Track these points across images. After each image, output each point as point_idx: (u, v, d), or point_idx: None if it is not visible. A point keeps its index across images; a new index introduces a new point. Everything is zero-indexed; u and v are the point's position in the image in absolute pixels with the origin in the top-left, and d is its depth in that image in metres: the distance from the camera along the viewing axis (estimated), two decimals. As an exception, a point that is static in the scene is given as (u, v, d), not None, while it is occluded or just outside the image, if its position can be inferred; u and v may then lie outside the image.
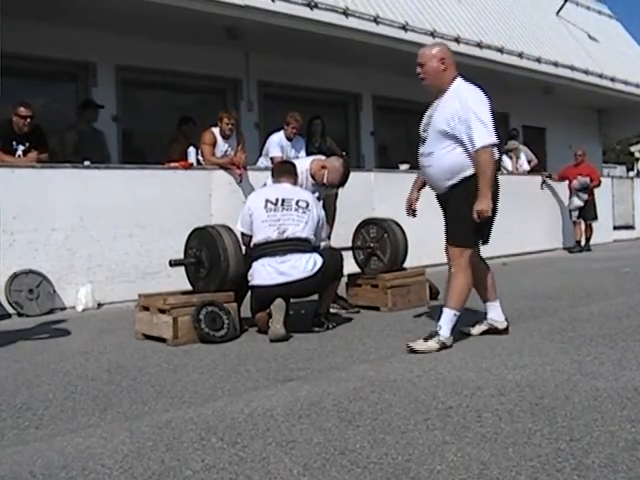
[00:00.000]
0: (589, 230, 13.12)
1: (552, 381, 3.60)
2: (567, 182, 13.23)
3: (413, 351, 4.41)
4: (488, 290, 4.98)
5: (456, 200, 4.62)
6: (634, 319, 5.36)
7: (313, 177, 5.99)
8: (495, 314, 4.98)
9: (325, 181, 5.97)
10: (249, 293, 5.64)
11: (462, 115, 4.46)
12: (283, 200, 5.42)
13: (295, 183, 5.70)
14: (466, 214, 4.49)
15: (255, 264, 5.38)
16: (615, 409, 3.08)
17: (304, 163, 6.10)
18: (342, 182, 6.10)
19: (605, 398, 3.25)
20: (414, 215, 5.36)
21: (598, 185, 13.41)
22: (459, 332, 4.82)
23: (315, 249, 5.46)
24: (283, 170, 5.80)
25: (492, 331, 4.92)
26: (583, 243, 13.07)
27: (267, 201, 5.44)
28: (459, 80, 4.67)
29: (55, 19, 8.66)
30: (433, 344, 4.46)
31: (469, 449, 2.67)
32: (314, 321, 5.54)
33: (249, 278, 5.46)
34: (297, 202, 5.44)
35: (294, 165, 5.91)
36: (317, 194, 6.04)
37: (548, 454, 2.58)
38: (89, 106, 8.78)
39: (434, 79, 4.68)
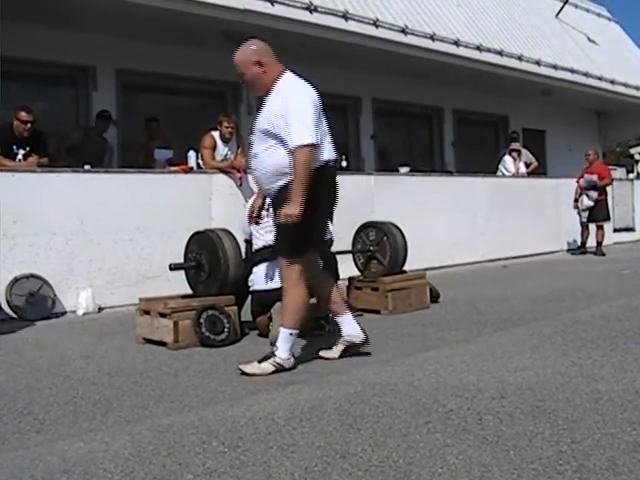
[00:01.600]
0: (601, 233, 12.79)
1: (553, 384, 3.60)
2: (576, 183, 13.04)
3: (244, 374, 4.12)
4: (336, 303, 4.49)
5: (280, 206, 4.16)
6: (635, 321, 5.36)
7: None
8: (349, 328, 4.47)
9: None
10: (249, 297, 5.65)
11: (283, 112, 4.14)
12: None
13: None
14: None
15: (256, 269, 5.45)
16: (616, 411, 3.08)
17: None
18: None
19: (606, 401, 3.25)
20: (257, 223, 4.99)
21: (609, 184, 13.24)
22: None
23: None
24: None
25: (352, 349, 4.46)
26: (594, 246, 12.71)
27: (269, 205, 5.33)
28: (285, 76, 4.35)
29: (55, 23, 8.67)
30: (268, 366, 4.13)
31: (470, 452, 2.67)
32: (314, 325, 5.52)
33: (250, 284, 5.48)
34: None
35: None
36: None
37: (549, 457, 2.58)
38: (101, 117, 8.92)
39: (258, 84, 4.39)
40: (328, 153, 4.26)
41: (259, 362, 4.17)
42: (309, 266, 4.32)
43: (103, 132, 8.99)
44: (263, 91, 4.37)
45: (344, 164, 10.50)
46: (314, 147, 4.08)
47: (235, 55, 4.46)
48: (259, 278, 5.40)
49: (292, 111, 4.12)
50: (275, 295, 5.17)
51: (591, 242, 12.85)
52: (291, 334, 4.24)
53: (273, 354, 4.18)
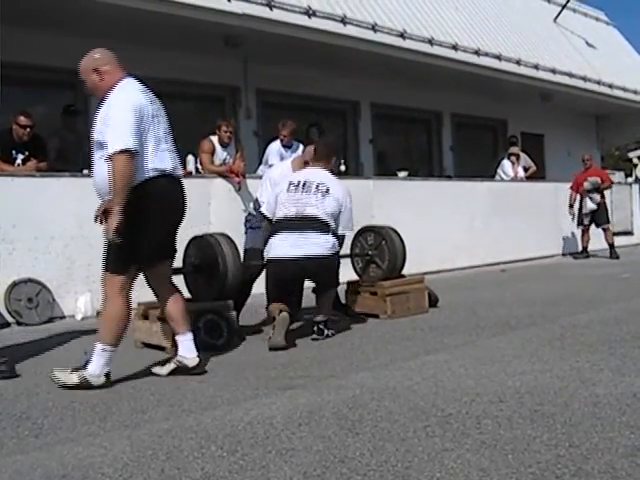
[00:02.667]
0: (609, 235, 12.73)
1: (551, 388, 3.60)
2: (575, 187, 12.97)
3: (52, 380, 4.03)
4: (175, 320, 4.36)
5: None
6: (633, 325, 5.37)
7: None
8: (184, 350, 4.32)
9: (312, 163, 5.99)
10: (263, 274, 5.69)
11: (105, 120, 4.01)
12: (305, 183, 5.54)
13: (327, 168, 5.76)
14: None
15: (272, 239, 5.48)
16: (614, 415, 3.08)
17: (285, 168, 6.12)
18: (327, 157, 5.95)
19: (604, 404, 3.25)
20: (101, 222, 4.69)
21: (609, 187, 13.24)
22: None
23: (334, 234, 5.51)
24: (323, 155, 5.84)
25: (182, 370, 4.28)
26: (598, 250, 12.73)
27: (290, 183, 5.58)
28: (120, 83, 4.17)
29: (54, 28, 8.68)
30: (74, 377, 3.99)
31: (469, 456, 2.67)
32: (313, 329, 5.53)
33: (265, 254, 5.56)
34: (317, 186, 5.52)
35: (330, 148, 6.08)
36: None
37: (548, 460, 2.59)
38: (67, 112, 8.77)
39: (95, 92, 4.25)
40: (162, 162, 4.08)
41: (72, 371, 4.03)
42: (129, 282, 4.11)
43: (72, 128, 8.79)
44: (99, 98, 4.23)
45: (342, 168, 10.51)
46: (130, 154, 3.89)
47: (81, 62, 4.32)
48: (275, 246, 5.43)
49: (111, 118, 3.98)
50: (290, 267, 5.32)
51: (592, 247, 12.85)
52: (104, 350, 4.03)
53: (84, 367, 4.02)
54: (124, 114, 3.96)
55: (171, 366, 4.31)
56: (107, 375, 4.06)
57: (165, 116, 4.31)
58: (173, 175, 4.18)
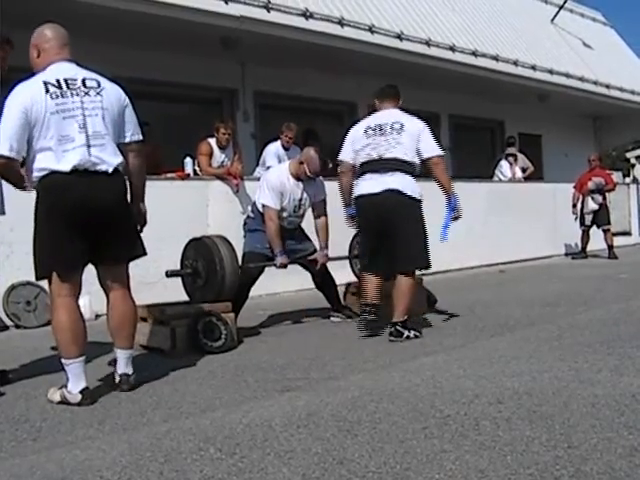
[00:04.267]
0: (609, 236, 12.76)
1: (550, 388, 3.60)
2: (579, 187, 12.98)
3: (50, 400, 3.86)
4: (111, 333, 4.19)
5: None
6: (631, 326, 5.37)
7: (297, 177, 6.03)
8: (121, 365, 4.08)
9: (309, 173, 6.00)
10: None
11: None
12: (380, 125, 5.53)
13: (396, 106, 5.81)
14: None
15: (359, 180, 5.52)
16: (613, 416, 3.08)
17: (283, 170, 6.14)
18: (324, 167, 6.07)
19: (603, 405, 3.25)
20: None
21: (612, 189, 13.25)
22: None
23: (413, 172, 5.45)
24: (386, 94, 5.95)
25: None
26: (597, 251, 12.77)
27: (368, 127, 5.58)
28: (46, 69, 3.94)
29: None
30: (57, 396, 3.83)
31: (467, 457, 2.67)
32: (390, 330, 5.27)
33: (353, 195, 5.57)
34: (391, 125, 5.49)
35: (396, 88, 6.08)
36: (307, 198, 6.07)
37: (546, 461, 2.58)
38: None
39: (33, 70, 4.02)
40: (60, 161, 3.74)
41: (60, 387, 3.85)
42: (67, 284, 3.87)
43: None
44: None
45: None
46: (3, 159, 3.70)
47: None
48: (362, 185, 5.47)
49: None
50: (373, 201, 5.33)
51: (590, 247, 12.87)
52: (66, 365, 3.81)
53: (64, 385, 3.81)
54: (7, 115, 3.74)
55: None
56: (83, 391, 3.78)
57: (99, 105, 3.89)
58: (78, 172, 3.76)
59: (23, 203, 6.72)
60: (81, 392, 3.77)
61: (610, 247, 12.64)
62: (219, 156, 8.50)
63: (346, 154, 5.70)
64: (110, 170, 3.87)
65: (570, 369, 4.02)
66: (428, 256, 5.44)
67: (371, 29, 11.24)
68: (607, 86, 16.41)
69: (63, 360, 3.83)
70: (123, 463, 2.80)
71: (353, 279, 6.83)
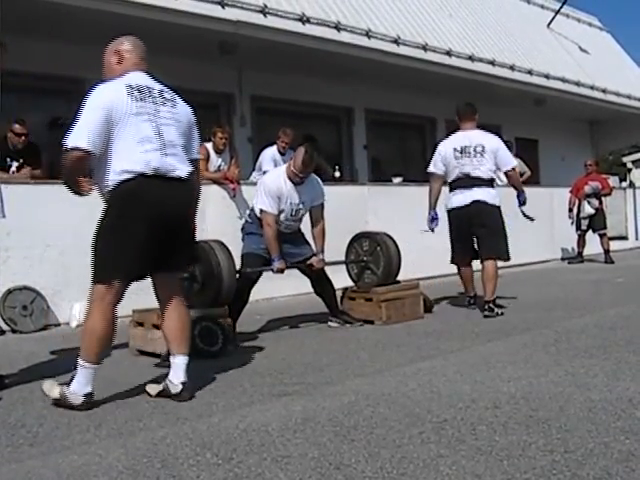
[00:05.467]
0: (606, 241, 12.72)
1: (546, 393, 3.61)
2: (575, 191, 13.00)
3: (41, 387, 3.89)
4: (171, 341, 4.12)
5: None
6: (628, 330, 5.38)
7: (294, 181, 6.02)
8: (173, 374, 4.00)
9: (293, 169, 5.98)
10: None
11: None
12: (466, 148, 6.82)
13: (475, 123, 7.06)
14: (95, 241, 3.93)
15: (450, 194, 6.93)
16: (609, 420, 3.09)
17: (280, 174, 6.13)
18: (308, 162, 5.96)
19: (599, 410, 3.26)
20: None
21: (609, 193, 13.25)
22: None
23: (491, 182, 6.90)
24: (466, 114, 7.08)
25: (165, 394, 3.95)
26: (593, 255, 12.80)
27: (455, 149, 6.84)
28: (124, 76, 4.00)
29: (50, 36, 8.69)
30: (56, 391, 3.80)
31: (464, 462, 2.67)
32: (485, 308, 6.54)
33: (447, 207, 6.95)
34: (474, 148, 6.80)
35: (473, 107, 7.14)
36: (305, 201, 6.06)
37: (543, 466, 2.59)
38: (54, 124, 8.79)
39: (107, 75, 4.08)
40: (138, 163, 3.77)
41: (61, 384, 3.83)
42: (111, 292, 3.88)
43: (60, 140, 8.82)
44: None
45: (337, 175, 10.53)
46: (81, 152, 3.68)
47: None
48: (452, 201, 6.87)
49: (81, 112, 3.79)
50: (463, 211, 6.77)
51: (587, 251, 12.88)
52: (82, 366, 3.75)
53: (67, 384, 3.80)
54: (90, 111, 3.77)
55: (158, 387, 4.00)
56: (87, 395, 3.75)
57: (174, 116, 4.04)
58: (160, 176, 3.83)
59: (20, 208, 6.75)
60: (84, 396, 3.74)
61: (606, 251, 12.65)
62: (216, 160, 8.50)
63: (437, 168, 7.03)
64: (183, 176, 3.94)
65: (567, 374, 4.02)
66: (508, 250, 7.03)
67: (368, 34, 11.25)
68: (604, 91, 16.45)
69: (81, 361, 3.77)
70: (119, 468, 2.79)
71: (350, 284, 6.83)
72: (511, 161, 7.05)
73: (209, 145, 8.43)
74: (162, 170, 3.84)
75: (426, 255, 9.94)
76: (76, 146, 3.68)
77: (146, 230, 3.77)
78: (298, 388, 4.04)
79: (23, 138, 7.44)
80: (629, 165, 27.44)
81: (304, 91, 11.62)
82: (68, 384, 3.81)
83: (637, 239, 16.12)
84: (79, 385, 3.75)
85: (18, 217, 6.74)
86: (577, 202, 12.87)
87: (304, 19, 10.23)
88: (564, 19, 18.00)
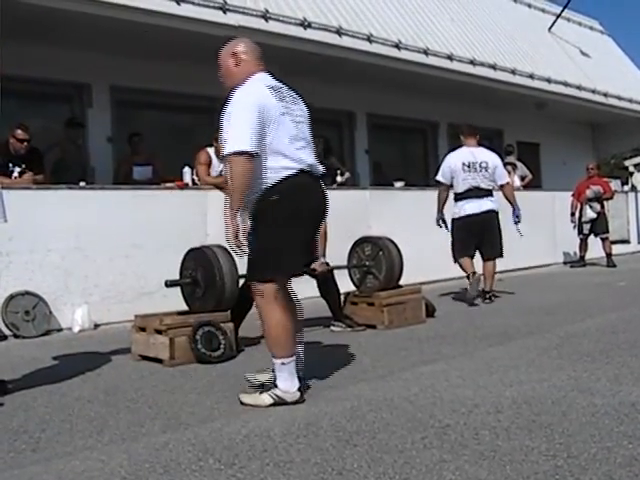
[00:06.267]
0: (607, 245, 12.73)
1: (549, 397, 3.60)
2: (577, 195, 12.99)
3: (242, 403, 3.84)
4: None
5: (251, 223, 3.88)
6: (630, 334, 5.37)
7: None
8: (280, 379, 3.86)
9: None
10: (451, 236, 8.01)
11: (229, 117, 3.85)
12: (472, 164, 7.98)
13: (478, 140, 8.27)
14: (255, 240, 3.82)
15: (462, 202, 7.97)
16: (612, 425, 3.08)
17: None
18: None
19: (602, 414, 3.25)
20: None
21: (610, 197, 13.25)
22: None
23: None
24: (469, 133, 8.27)
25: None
26: (595, 259, 12.80)
27: (463, 164, 7.98)
28: (251, 78, 3.99)
29: (50, 41, 8.70)
30: (265, 398, 3.79)
31: (467, 467, 2.67)
32: (485, 297, 7.87)
33: (457, 215, 8.00)
34: (480, 164, 7.98)
35: (476, 129, 8.43)
36: None
37: (546, 471, 2.58)
38: (71, 125, 8.81)
39: (228, 78, 4.08)
40: (297, 160, 3.86)
41: (260, 393, 3.84)
42: (280, 288, 3.83)
43: (74, 140, 8.86)
44: (228, 85, 4.03)
45: (339, 179, 10.51)
46: (248, 156, 3.68)
47: None
48: (464, 209, 7.91)
49: (232, 116, 3.80)
50: (477, 220, 7.89)
51: (589, 255, 12.87)
52: (283, 363, 3.80)
53: (274, 385, 3.82)
54: (244, 114, 3.76)
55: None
56: (299, 389, 3.82)
57: (302, 113, 4.10)
58: (312, 173, 3.95)
59: (21, 213, 6.76)
60: (298, 390, 3.82)
61: (608, 255, 12.64)
62: (218, 165, 8.48)
63: (445, 178, 8.11)
64: (320, 174, 4.05)
65: (569, 378, 4.02)
66: (502, 249, 8.14)
67: (369, 38, 11.26)
68: (605, 94, 16.45)
69: (280, 360, 3.80)
70: (122, 474, 2.79)
71: (352, 288, 6.83)
72: (506, 176, 8.39)
73: (211, 150, 8.42)
74: (313, 167, 3.96)
75: (428, 259, 9.93)
76: (242, 150, 3.68)
77: (309, 224, 3.95)
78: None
79: (25, 144, 7.45)
80: (631, 169, 27.35)
81: (306, 95, 11.42)
82: (273, 386, 3.81)
83: (639, 243, 16.09)
84: (288, 382, 3.80)
85: (20, 222, 6.75)
86: (579, 206, 12.86)
87: (305, 24, 10.24)
88: (565, 23, 18.00)
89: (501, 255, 8.13)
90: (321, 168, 4.05)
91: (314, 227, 4.02)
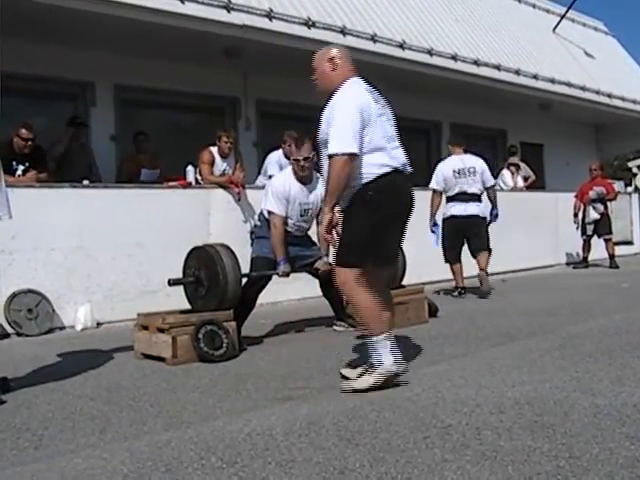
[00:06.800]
0: (611, 246, 12.71)
1: (551, 398, 3.60)
2: (580, 196, 12.97)
3: (356, 391, 3.91)
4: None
5: (343, 214, 4.10)
6: (633, 335, 5.36)
7: (302, 182, 6.03)
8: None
9: (294, 161, 6.12)
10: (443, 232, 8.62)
11: (329, 119, 4.05)
12: (462, 170, 8.68)
13: (464, 148, 8.97)
14: (345, 230, 4.06)
15: (451, 204, 8.70)
16: (614, 426, 3.08)
17: (287, 176, 6.14)
18: (299, 144, 6.25)
19: (604, 415, 3.25)
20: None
21: (614, 198, 13.24)
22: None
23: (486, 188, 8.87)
24: (457, 144, 9.04)
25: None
26: (599, 260, 12.80)
27: (454, 171, 8.66)
28: (347, 82, 4.16)
29: (54, 39, 8.70)
30: (368, 379, 3.95)
31: (469, 467, 2.67)
32: (482, 297, 8.35)
33: (445, 215, 8.70)
34: (468, 169, 8.68)
35: (461, 140, 9.21)
36: (313, 202, 6.05)
37: (548, 472, 2.58)
38: (72, 124, 8.80)
39: (323, 82, 4.27)
40: (393, 159, 4.09)
41: (358, 375, 4.06)
42: (364, 273, 3.98)
43: (77, 139, 8.85)
44: (325, 90, 4.25)
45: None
46: (350, 157, 3.88)
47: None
48: (454, 208, 8.61)
49: (334, 118, 3.99)
50: (463, 222, 8.57)
51: (592, 256, 12.87)
52: (378, 340, 3.95)
53: (372, 366, 3.96)
54: (347, 115, 3.96)
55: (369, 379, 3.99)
56: (399, 362, 4.00)
57: (391, 114, 4.28)
58: (404, 172, 4.17)
59: (24, 211, 6.77)
60: (397, 363, 3.96)
61: (611, 256, 12.62)
62: (221, 164, 8.51)
63: (439, 185, 8.76)
64: (410, 173, 4.26)
65: (571, 379, 4.01)
66: (489, 245, 8.75)
67: (373, 38, 11.25)
68: (609, 95, 16.41)
69: (377, 338, 3.95)
70: (124, 472, 2.80)
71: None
72: (492, 179, 9.05)
73: (214, 149, 8.44)
74: (406, 167, 4.19)
75: (431, 259, 9.93)
76: (347, 151, 3.88)
77: (398, 220, 4.17)
78: (303, 392, 4.04)
79: (29, 143, 7.46)
80: (634, 170, 27.30)
81: (309, 95, 11.47)
82: (370, 367, 3.97)
83: (643, 244, 16.08)
84: (388, 357, 3.94)
85: (23, 220, 6.76)
86: (582, 207, 12.84)
87: (310, 23, 10.23)
88: (570, 24, 17.97)
89: (488, 250, 8.72)
90: (410, 168, 4.26)
91: (403, 223, 4.22)
